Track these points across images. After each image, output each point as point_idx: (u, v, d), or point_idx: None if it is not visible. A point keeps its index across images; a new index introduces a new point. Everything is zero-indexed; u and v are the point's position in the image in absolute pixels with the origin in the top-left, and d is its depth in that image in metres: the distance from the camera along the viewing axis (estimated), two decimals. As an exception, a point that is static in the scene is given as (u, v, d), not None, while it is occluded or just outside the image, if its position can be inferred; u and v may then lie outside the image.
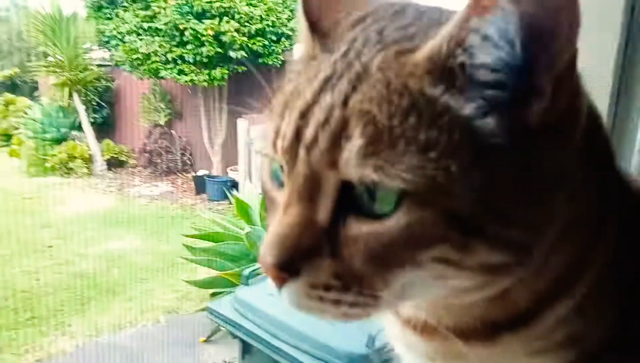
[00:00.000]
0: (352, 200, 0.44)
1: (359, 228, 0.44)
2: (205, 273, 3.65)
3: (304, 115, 0.46)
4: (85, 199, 6.35)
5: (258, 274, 2.55)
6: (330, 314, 0.47)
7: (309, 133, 0.45)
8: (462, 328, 0.53)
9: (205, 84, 6.18)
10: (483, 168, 0.43)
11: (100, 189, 6.82)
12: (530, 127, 0.43)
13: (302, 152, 0.45)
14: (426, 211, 0.43)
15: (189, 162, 7.40)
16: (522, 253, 0.46)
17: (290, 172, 0.46)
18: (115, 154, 7.67)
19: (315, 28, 0.51)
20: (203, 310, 3.31)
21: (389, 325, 0.62)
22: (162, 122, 7.43)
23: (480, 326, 0.52)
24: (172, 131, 7.49)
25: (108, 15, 7.27)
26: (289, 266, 0.45)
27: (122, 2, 6.94)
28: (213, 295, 3.54)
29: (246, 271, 2.59)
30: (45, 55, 7.94)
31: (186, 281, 3.61)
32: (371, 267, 0.45)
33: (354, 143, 0.42)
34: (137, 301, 3.92)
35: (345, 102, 0.44)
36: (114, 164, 7.60)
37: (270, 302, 2.32)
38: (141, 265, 4.49)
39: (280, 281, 0.46)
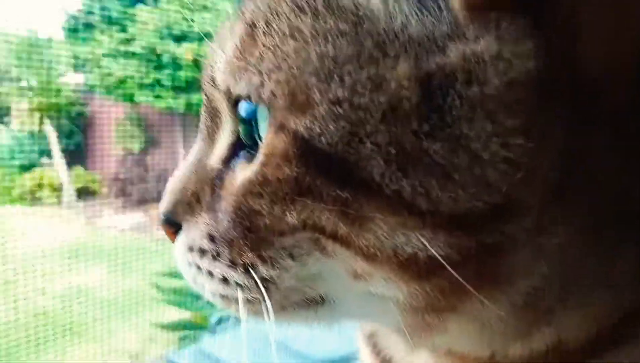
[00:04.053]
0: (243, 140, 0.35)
1: (239, 175, 0.35)
2: (174, 312, 3.38)
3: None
4: (51, 230, 6.03)
5: (226, 320, 2.29)
6: (207, 291, 0.38)
7: (209, 59, 0.39)
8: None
9: (183, 109, 6.00)
10: (359, 70, 0.28)
11: (67, 219, 6.51)
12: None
13: (203, 78, 0.39)
14: (277, 138, 0.31)
15: (164, 191, 7.15)
16: (469, 242, 0.28)
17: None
18: (86, 182, 7.40)
19: None
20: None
21: None
22: (136, 149, 7.20)
23: (548, 354, 0.35)
24: (147, 158, 7.26)
25: (84, 38, 7.07)
26: (172, 218, 0.38)
27: (99, 25, 6.77)
28: (182, 338, 3.27)
29: (214, 318, 2.32)
30: (18, 79, 7.71)
31: (153, 324, 3.31)
32: (239, 228, 0.34)
33: (227, 48, 0.36)
34: (99, 343, 3.61)
35: (243, 13, 0.37)
36: (85, 193, 7.32)
37: (238, 354, 2.08)
38: (105, 303, 4.19)
39: (170, 237, 0.39)
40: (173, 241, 0.39)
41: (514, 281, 0.32)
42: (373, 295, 0.33)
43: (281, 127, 0.31)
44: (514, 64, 0.29)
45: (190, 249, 0.38)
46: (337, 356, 1.94)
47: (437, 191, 0.29)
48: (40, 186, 7.23)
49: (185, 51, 5.64)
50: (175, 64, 5.68)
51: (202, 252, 0.37)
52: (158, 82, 5.81)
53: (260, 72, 0.32)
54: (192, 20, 5.86)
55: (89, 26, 7.17)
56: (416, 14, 0.29)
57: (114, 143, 7.40)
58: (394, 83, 0.29)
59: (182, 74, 5.69)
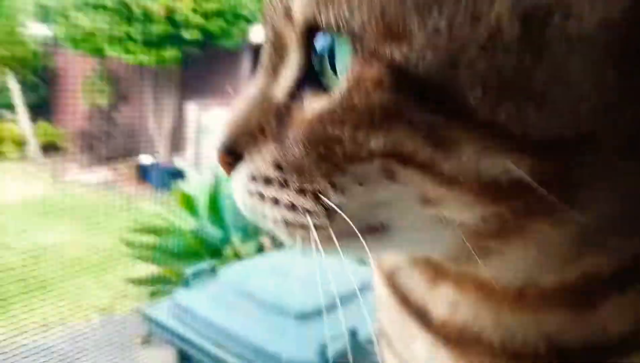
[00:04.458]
0: (313, 71, 0.36)
1: (309, 106, 0.36)
2: (144, 269, 3.37)
3: None
4: (15, 186, 5.88)
5: (200, 274, 2.28)
6: (270, 219, 0.39)
7: None
8: (551, 286, 0.38)
9: (154, 65, 5.83)
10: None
11: (32, 175, 6.34)
12: None
13: (269, 11, 0.39)
14: (368, 66, 0.32)
15: (132, 148, 7.02)
16: (552, 168, 0.31)
17: (263, 45, 0.40)
18: (52, 137, 7.19)
19: None
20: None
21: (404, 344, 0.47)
22: (104, 104, 7.01)
23: (577, 282, 0.37)
24: (115, 114, 7.08)
25: (50, -12, 6.75)
26: (233, 148, 0.39)
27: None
28: (152, 294, 3.26)
29: (187, 271, 2.31)
30: (-21, 28, 7.36)
31: (124, 279, 3.29)
32: (312, 156, 0.35)
33: None
34: (68, 299, 3.57)
35: None
36: (50, 148, 7.12)
37: (213, 307, 2.09)
38: (74, 259, 4.13)
39: (226, 168, 0.41)
40: (228, 173, 0.40)
41: (584, 208, 0.33)
42: (438, 220, 0.34)
43: (372, 56, 0.32)
44: (609, 2, 0.29)
45: (253, 178, 0.39)
46: (311, 308, 1.97)
47: (531, 117, 0.30)
48: (2, 140, 7.00)
49: (158, 6, 5.45)
50: (147, 18, 5.49)
51: (267, 180, 0.38)
52: (128, 36, 5.62)
53: (349, 3, 0.32)
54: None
55: (55, -26, 6.86)
56: None
57: (81, 97, 7.18)
58: (493, 18, 0.29)
59: (154, 28, 5.50)
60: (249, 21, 5.96)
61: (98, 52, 6.03)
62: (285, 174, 0.37)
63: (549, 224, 0.33)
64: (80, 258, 4.16)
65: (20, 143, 7.00)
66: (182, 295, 2.11)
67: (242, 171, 0.39)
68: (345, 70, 0.33)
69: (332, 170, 0.35)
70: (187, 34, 5.59)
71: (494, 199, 0.32)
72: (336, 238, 0.35)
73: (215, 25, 5.72)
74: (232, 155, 0.39)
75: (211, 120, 5.55)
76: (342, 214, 0.34)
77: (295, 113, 0.36)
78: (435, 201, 0.33)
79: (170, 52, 5.67)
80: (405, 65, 0.31)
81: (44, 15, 6.96)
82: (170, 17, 5.49)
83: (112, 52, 5.81)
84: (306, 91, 0.36)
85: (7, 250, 4.33)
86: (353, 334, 1.64)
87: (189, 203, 3.40)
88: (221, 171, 0.40)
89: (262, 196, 0.38)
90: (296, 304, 1.91)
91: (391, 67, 0.31)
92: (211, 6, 5.68)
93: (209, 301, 2.06)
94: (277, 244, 3.07)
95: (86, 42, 5.97)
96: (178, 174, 5.61)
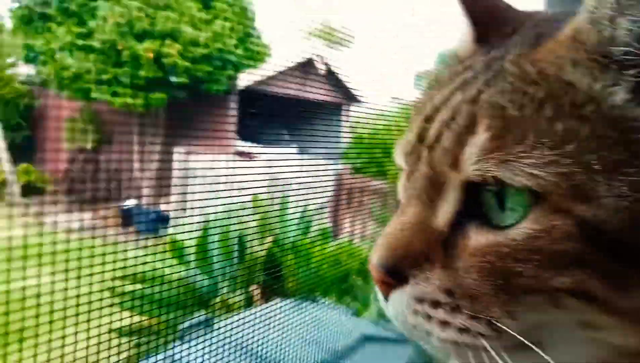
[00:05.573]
0: (477, 207, 0.40)
1: (479, 239, 0.39)
2: (130, 319, 3.26)
3: (430, 118, 0.43)
4: (-6, 228, 5.70)
5: (197, 326, 2.24)
6: (436, 338, 0.41)
7: (432, 132, 0.42)
8: None
9: (141, 108, 5.83)
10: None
11: (12, 218, 6.17)
12: None
13: (424, 152, 0.43)
14: (558, 219, 0.36)
15: (117, 191, 6.92)
16: None
17: (410, 175, 0.44)
18: (34, 179, 7.06)
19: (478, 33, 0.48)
20: (127, 362, 2.95)
21: None
22: (89, 146, 6.94)
23: None
24: (99, 156, 7.01)
25: (39, 30, 6.77)
26: (396, 271, 0.42)
27: (56, 17, 6.50)
28: (138, 345, 3.16)
29: (184, 324, 2.27)
30: (-38, 67, 7.30)
31: (108, 330, 3.18)
32: (488, 286, 0.38)
33: (479, 138, 0.39)
34: (50, 350, 3.42)
35: (475, 99, 0.40)
36: (32, 190, 6.98)
37: (210, 362, 2.04)
38: (55, 307, 3.99)
39: (385, 288, 0.42)
40: (385, 292, 0.43)
41: None
42: (592, 340, 0.38)
43: (558, 211, 0.36)
44: None
45: (420, 300, 0.41)
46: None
47: None
48: (-18, 181, 6.86)
49: (146, 49, 5.50)
50: (136, 61, 5.53)
51: (436, 304, 0.41)
52: (116, 79, 5.64)
53: (530, 166, 0.36)
54: (154, 18, 5.73)
55: (43, 17, 6.87)
56: None
57: (65, 139, 7.11)
58: None
59: (142, 72, 5.54)
60: (236, 67, 6.04)
61: (84, 94, 6.02)
62: (457, 300, 0.39)
63: None
64: (62, 306, 4.00)
65: (0, 184, 6.86)
66: (179, 350, 2.07)
67: (406, 292, 0.41)
68: (520, 215, 0.37)
69: (509, 300, 0.38)
70: (175, 78, 5.64)
71: None
72: (494, 353, 0.38)
73: (203, 70, 5.78)
74: (393, 276, 0.41)
75: (198, 165, 5.53)
76: (519, 337, 0.36)
77: (461, 243, 0.39)
78: (598, 327, 0.37)
79: (157, 96, 5.70)
80: (594, 223, 0.35)
81: (30, 55, 6.94)
82: (159, 61, 5.53)
83: (98, 94, 5.81)
84: (469, 223, 0.40)
85: (-15, 296, 4.16)
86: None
87: (177, 250, 3.35)
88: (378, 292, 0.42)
89: (429, 317, 0.40)
90: (295, 359, 1.89)
91: (580, 223, 0.35)
92: (199, 51, 5.75)
93: (206, 356, 2.01)
94: (267, 295, 3.03)
95: (73, 84, 5.96)
96: (163, 219, 5.54)
